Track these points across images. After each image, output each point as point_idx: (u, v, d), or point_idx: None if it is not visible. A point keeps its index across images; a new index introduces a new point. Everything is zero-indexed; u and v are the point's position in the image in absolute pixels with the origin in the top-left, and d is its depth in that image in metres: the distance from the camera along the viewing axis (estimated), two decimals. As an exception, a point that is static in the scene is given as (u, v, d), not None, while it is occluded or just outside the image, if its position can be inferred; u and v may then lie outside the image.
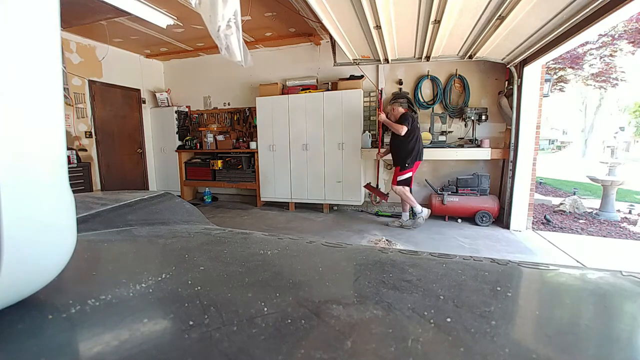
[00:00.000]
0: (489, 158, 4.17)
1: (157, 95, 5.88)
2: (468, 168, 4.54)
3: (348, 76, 4.78)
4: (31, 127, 0.27)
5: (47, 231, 0.29)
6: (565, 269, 0.46)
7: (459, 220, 4.33)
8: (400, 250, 0.52)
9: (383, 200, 4.84)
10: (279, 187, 5.13)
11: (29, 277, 0.29)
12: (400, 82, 4.77)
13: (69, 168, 0.32)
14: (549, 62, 5.40)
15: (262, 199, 5.32)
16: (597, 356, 0.26)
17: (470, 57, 4.01)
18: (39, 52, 0.27)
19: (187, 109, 6.04)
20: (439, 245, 3.51)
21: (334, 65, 4.62)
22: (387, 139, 4.60)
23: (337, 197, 4.82)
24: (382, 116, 3.86)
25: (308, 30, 4.58)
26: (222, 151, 5.54)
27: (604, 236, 4.09)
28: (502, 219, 4.18)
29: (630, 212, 5.27)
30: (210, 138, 5.60)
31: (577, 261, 3.05)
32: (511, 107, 4.01)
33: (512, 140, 4.00)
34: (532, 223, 4.16)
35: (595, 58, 8.19)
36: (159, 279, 0.39)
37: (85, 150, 4.86)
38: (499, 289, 0.37)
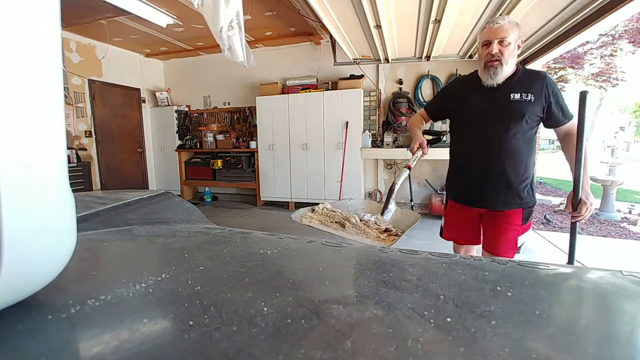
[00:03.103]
0: (489, 158, 4.17)
1: (157, 94, 5.87)
2: (468, 168, 4.54)
3: (348, 76, 4.78)
4: (31, 127, 0.27)
5: (48, 231, 0.29)
6: (565, 268, 0.46)
7: (459, 220, 4.33)
8: (400, 250, 0.52)
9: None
10: (279, 186, 5.13)
11: (29, 277, 0.29)
12: (400, 82, 4.77)
13: (68, 167, 0.32)
14: (549, 61, 5.40)
15: (262, 199, 5.32)
16: (597, 356, 0.26)
17: (471, 56, 4.01)
18: (39, 51, 0.27)
19: (187, 109, 6.04)
20: (439, 244, 3.50)
21: (334, 64, 4.62)
22: (387, 139, 4.60)
23: (337, 197, 4.82)
24: None
25: (308, 29, 4.57)
26: (222, 151, 5.54)
27: (604, 236, 4.10)
28: (502, 218, 4.18)
29: (630, 212, 5.28)
30: (210, 137, 5.60)
31: (577, 261, 3.06)
32: (511, 107, 4.00)
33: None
34: (532, 223, 4.17)
35: (596, 58, 8.19)
36: (159, 278, 0.39)
37: (85, 149, 4.86)
38: (499, 288, 0.37)
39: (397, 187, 1.52)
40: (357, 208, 1.66)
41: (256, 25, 4.35)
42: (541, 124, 1.45)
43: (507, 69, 1.37)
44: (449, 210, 1.71)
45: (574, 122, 1.37)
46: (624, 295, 0.38)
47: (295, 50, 5.20)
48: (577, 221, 1.32)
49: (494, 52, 1.34)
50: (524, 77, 1.40)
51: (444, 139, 1.82)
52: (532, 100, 1.35)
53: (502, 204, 1.46)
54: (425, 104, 4.63)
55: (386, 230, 1.39)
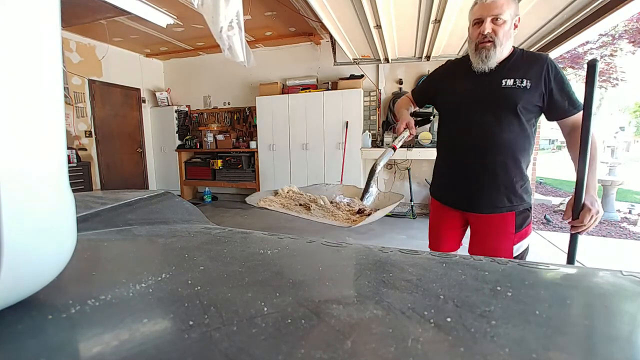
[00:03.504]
0: (489, 158, 4.17)
1: (157, 94, 5.87)
2: (468, 168, 4.54)
3: (348, 76, 4.78)
4: (31, 127, 0.27)
5: (48, 231, 0.29)
6: (565, 268, 0.46)
7: (459, 220, 4.33)
8: (400, 250, 0.52)
9: None
10: (279, 186, 5.11)
11: (29, 278, 0.29)
12: (400, 82, 4.77)
13: (68, 167, 0.32)
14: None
15: (262, 199, 5.31)
16: (597, 356, 0.26)
17: (471, 56, 4.00)
18: (39, 52, 0.27)
19: (187, 109, 6.04)
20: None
21: (334, 64, 4.62)
22: (387, 139, 4.60)
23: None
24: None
25: (308, 29, 4.57)
26: (222, 151, 5.54)
27: (604, 236, 4.10)
28: (502, 218, 4.17)
29: (630, 212, 5.28)
30: (210, 137, 5.60)
31: (577, 261, 3.06)
32: (511, 107, 4.00)
33: (512, 140, 4.00)
34: (532, 223, 4.16)
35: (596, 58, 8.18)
36: (159, 278, 0.39)
37: (85, 149, 4.86)
38: (499, 288, 0.37)
39: (379, 169, 1.29)
40: (333, 193, 1.44)
41: (256, 25, 4.35)
42: (542, 116, 1.24)
43: (502, 51, 1.18)
44: (432, 211, 1.51)
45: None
46: (624, 295, 0.38)
47: (295, 50, 5.20)
48: (579, 232, 1.11)
49: (486, 32, 1.15)
50: (520, 60, 1.20)
51: (433, 119, 1.65)
52: (529, 87, 1.16)
53: (490, 206, 1.27)
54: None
55: (360, 211, 1.19)
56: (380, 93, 4.85)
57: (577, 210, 1.09)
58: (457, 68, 1.34)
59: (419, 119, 1.55)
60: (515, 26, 1.20)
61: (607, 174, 5.27)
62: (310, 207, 1.17)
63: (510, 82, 1.18)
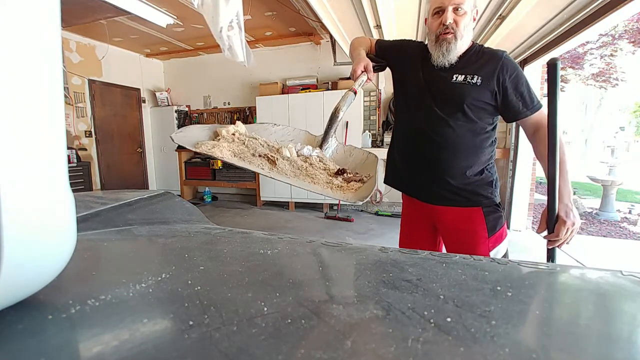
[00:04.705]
0: (489, 158, 4.16)
1: (157, 94, 5.87)
2: (468, 168, 4.54)
3: (348, 76, 4.77)
4: (31, 127, 0.27)
5: (48, 231, 0.29)
6: (565, 268, 0.46)
7: (459, 220, 4.32)
8: (400, 250, 0.52)
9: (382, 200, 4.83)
10: (279, 186, 5.13)
11: (29, 278, 0.29)
12: (400, 82, 4.76)
13: (68, 167, 0.32)
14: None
15: (262, 199, 5.31)
16: (597, 356, 0.26)
17: (471, 56, 4.00)
18: (39, 52, 0.27)
19: (187, 109, 6.04)
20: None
21: (334, 64, 4.62)
22: (387, 139, 4.60)
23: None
24: None
25: (308, 29, 4.57)
26: (222, 151, 5.54)
27: (604, 236, 4.10)
28: (502, 218, 4.17)
29: (630, 212, 5.28)
30: (210, 137, 5.59)
31: (577, 261, 3.06)
32: (511, 107, 4.00)
33: (512, 141, 4.00)
34: (532, 223, 4.16)
35: (596, 58, 8.19)
36: (159, 278, 0.39)
37: (85, 149, 4.86)
38: (499, 288, 0.37)
39: (341, 114, 1.11)
40: (283, 138, 1.21)
41: (256, 25, 4.35)
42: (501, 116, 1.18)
43: (462, 44, 1.12)
44: (403, 205, 1.45)
45: (544, 113, 1.04)
46: (624, 295, 0.38)
47: (295, 50, 5.20)
48: (557, 247, 1.03)
49: (448, 22, 1.08)
50: (476, 56, 1.15)
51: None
52: (479, 84, 1.10)
53: (437, 198, 1.23)
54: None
55: (340, 172, 0.99)
56: (380, 93, 4.84)
57: (551, 222, 1.00)
58: (424, 55, 1.25)
59: (373, 64, 1.35)
60: (474, 19, 1.15)
61: (607, 174, 5.27)
62: (276, 160, 0.94)
63: (460, 77, 1.14)
